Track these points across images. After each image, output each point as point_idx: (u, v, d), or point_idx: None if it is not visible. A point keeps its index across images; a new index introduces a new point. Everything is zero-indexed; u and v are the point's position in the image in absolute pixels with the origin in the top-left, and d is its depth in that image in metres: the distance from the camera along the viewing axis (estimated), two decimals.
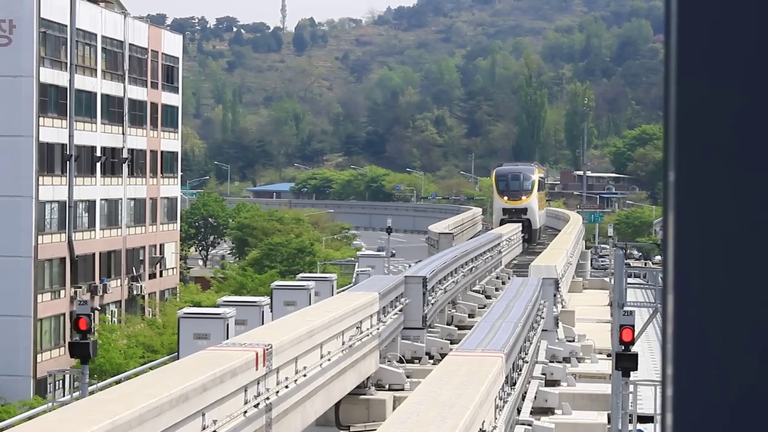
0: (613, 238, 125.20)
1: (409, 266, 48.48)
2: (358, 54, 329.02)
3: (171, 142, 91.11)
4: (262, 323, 26.74)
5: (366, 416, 28.46)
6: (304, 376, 22.59)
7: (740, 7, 1.80)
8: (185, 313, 26.49)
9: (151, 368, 27.59)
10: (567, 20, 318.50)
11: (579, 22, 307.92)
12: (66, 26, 72.84)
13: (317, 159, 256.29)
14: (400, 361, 31.93)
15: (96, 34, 77.20)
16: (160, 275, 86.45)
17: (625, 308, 29.98)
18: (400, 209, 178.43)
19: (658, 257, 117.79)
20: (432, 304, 35.30)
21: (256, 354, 19.81)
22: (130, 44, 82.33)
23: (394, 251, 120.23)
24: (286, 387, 21.44)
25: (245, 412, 19.27)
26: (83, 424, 14.33)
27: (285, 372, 21.54)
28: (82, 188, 75.03)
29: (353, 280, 45.35)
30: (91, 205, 76.49)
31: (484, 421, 18.60)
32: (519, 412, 24.75)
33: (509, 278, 51.45)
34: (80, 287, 73.15)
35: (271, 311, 29.53)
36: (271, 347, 20.51)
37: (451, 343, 34.84)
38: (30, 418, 22.46)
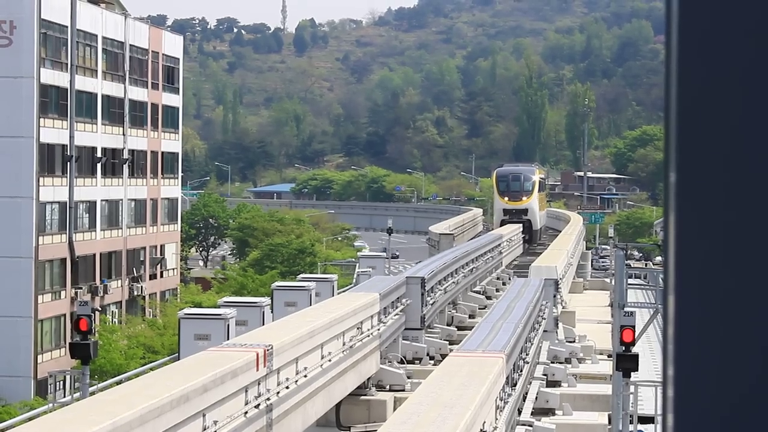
0: (613, 239, 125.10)
1: (405, 268, 48.48)
2: (358, 55, 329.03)
3: (171, 143, 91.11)
4: (263, 324, 26.73)
5: (367, 417, 28.46)
6: (305, 376, 22.59)
7: (741, 8, 1.80)
8: (186, 314, 26.49)
9: (151, 369, 27.59)
10: (567, 21, 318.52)
11: (579, 23, 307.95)
12: (66, 27, 72.85)
13: (318, 160, 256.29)
14: (401, 361, 31.93)
15: (96, 35, 77.21)
16: (161, 276, 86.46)
17: (626, 309, 29.98)
18: (400, 210, 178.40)
19: (659, 258, 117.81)
20: (431, 304, 35.29)
21: (257, 355, 19.81)
22: (130, 45, 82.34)
23: (397, 253, 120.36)
24: (287, 387, 21.44)
25: (246, 412, 19.27)
26: (84, 424, 14.33)
27: (286, 372, 21.54)
28: (83, 189, 75.03)
29: (354, 280, 45.35)
30: (91, 205, 76.50)
31: (484, 422, 18.60)
32: (520, 412, 24.75)
33: (510, 279, 51.46)
34: (81, 288, 73.15)
35: (272, 312, 29.53)
36: (271, 348, 20.50)
37: (450, 344, 34.85)
38: (31, 418, 22.46)
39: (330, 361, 24.51)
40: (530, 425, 24.04)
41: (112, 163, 79.94)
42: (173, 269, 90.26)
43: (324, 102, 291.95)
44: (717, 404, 1.80)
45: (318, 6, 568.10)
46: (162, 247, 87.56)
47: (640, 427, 27.99)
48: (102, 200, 77.98)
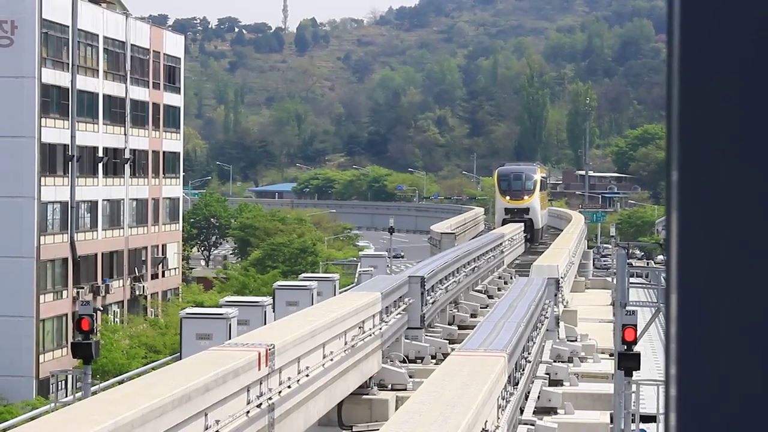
0: (615, 238, 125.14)
1: (407, 267, 48.47)
2: (359, 54, 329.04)
3: (173, 143, 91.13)
4: (265, 323, 26.73)
5: (369, 416, 28.46)
6: (307, 376, 22.59)
7: (742, 7, 1.80)
8: (188, 314, 26.48)
9: (153, 368, 27.60)
10: (569, 20, 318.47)
11: (581, 22, 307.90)
12: (68, 27, 72.87)
13: (319, 159, 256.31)
14: (403, 361, 31.94)
15: (98, 35, 77.23)
16: (163, 275, 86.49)
17: (628, 308, 29.99)
18: (402, 209, 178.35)
19: (661, 257, 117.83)
20: (431, 303, 35.29)
21: (259, 354, 19.81)
22: (131, 45, 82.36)
23: (403, 253, 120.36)
24: (289, 387, 21.44)
25: (248, 412, 19.27)
26: (86, 424, 14.33)
27: (287, 372, 21.53)
28: (84, 189, 75.06)
29: (355, 280, 45.34)
30: (93, 205, 76.52)
31: (486, 421, 18.59)
32: (522, 411, 24.74)
33: (511, 278, 51.46)
34: (82, 288, 73.18)
35: (274, 311, 29.53)
36: (273, 347, 20.51)
37: (450, 343, 34.86)
38: (32, 418, 22.47)
39: (332, 360, 24.51)
40: (532, 424, 24.04)
41: (114, 162, 79.97)
42: (175, 269, 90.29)
43: (325, 101, 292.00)
44: (719, 403, 1.80)
45: (319, 5, 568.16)
46: (164, 246, 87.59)
47: (642, 426, 27.99)
48: (103, 200, 78.01)
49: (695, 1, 1.81)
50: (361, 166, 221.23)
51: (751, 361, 1.79)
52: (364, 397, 28.75)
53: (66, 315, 70.39)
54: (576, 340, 37.53)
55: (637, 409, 27.22)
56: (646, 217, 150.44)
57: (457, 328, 38.71)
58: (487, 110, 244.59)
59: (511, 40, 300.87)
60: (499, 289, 48.58)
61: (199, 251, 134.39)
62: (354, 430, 28.32)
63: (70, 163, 72.94)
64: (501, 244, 56.68)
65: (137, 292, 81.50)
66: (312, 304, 30.11)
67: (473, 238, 68.09)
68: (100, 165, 77.50)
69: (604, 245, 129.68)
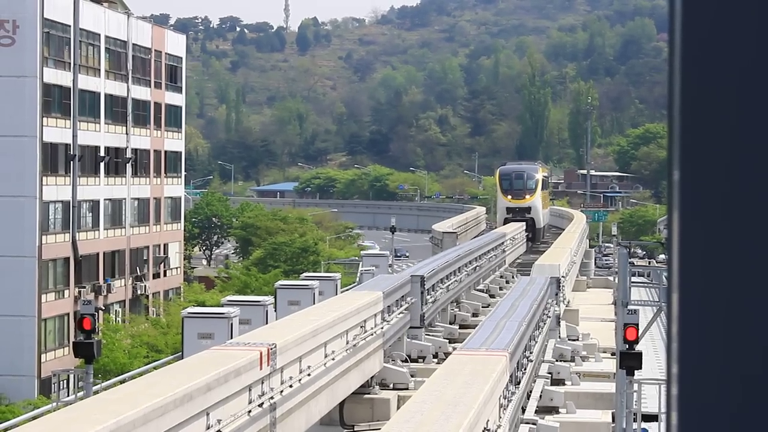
0: (616, 237, 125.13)
1: (408, 266, 48.42)
2: (361, 53, 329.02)
3: (174, 142, 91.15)
4: (266, 323, 26.72)
5: (370, 415, 28.47)
6: (308, 375, 22.59)
7: (744, 6, 1.80)
8: (189, 313, 26.49)
9: (155, 368, 27.60)
10: (570, 19, 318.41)
11: (582, 21, 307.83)
12: (69, 26, 72.88)
13: (321, 158, 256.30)
14: (405, 360, 31.94)
15: (99, 34, 77.24)
16: (164, 275, 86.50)
17: (629, 307, 29.98)
18: (403, 208, 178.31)
19: (662, 256, 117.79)
20: (431, 303, 35.29)
21: (260, 353, 19.81)
22: (133, 44, 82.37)
23: (407, 253, 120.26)
24: (290, 386, 21.44)
25: (249, 411, 19.27)
26: (87, 423, 14.34)
27: (289, 371, 21.54)
28: (86, 188, 75.07)
29: (357, 279, 45.33)
30: (94, 205, 76.54)
31: (488, 420, 18.59)
32: (524, 410, 24.74)
33: (513, 277, 51.47)
34: (84, 287, 73.20)
35: (275, 311, 29.51)
36: (275, 347, 20.51)
37: (450, 342, 34.86)
38: (34, 417, 22.48)
39: (333, 359, 24.52)
40: (534, 424, 24.03)
41: (115, 162, 79.98)
42: (176, 268, 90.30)
43: (327, 101, 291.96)
44: (721, 402, 1.80)
45: (321, 5, 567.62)
46: (165, 246, 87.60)
47: (644, 425, 27.99)
48: (105, 199, 78.03)
49: (697, 0, 1.81)
50: (363, 165, 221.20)
51: (753, 360, 1.79)
52: (366, 396, 28.75)
53: (68, 314, 70.41)
54: (578, 340, 37.54)
55: (638, 408, 27.22)
56: (647, 216, 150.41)
57: (458, 327, 38.72)
58: (488, 109, 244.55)
59: (513, 39, 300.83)
60: (500, 289, 48.59)
61: (200, 251, 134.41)
62: (356, 429, 28.33)
63: (71, 162, 72.95)
64: (502, 243, 56.68)
65: (139, 292, 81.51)
66: (313, 303, 30.10)
67: (475, 237, 68.11)
68: (102, 164, 77.51)
69: (606, 244, 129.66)
